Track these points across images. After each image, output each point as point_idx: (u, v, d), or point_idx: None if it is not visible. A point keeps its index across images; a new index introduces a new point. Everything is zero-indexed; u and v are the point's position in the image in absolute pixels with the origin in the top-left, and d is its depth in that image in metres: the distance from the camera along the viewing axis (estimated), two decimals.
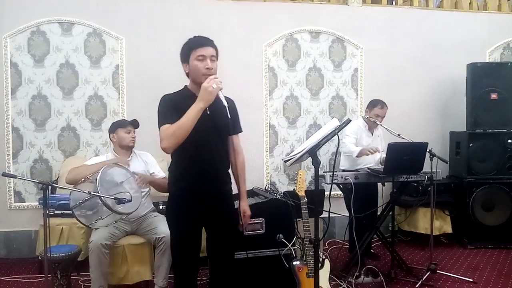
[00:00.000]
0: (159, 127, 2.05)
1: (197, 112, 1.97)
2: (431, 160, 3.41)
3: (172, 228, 2.25)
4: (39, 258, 3.41)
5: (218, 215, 2.19)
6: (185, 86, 2.21)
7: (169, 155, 2.19)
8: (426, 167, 3.43)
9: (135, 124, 3.20)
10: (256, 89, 4.47)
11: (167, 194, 2.36)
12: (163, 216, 3.20)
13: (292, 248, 2.90)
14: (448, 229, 4.37)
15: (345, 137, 3.76)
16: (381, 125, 3.80)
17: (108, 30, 4.19)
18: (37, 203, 4.01)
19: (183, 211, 2.16)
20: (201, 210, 2.15)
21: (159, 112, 2.09)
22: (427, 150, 3.39)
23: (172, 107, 2.05)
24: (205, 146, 2.10)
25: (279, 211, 2.97)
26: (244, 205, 2.30)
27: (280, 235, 2.91)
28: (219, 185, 2.18)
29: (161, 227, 2.93)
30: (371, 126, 3.90)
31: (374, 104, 3.86)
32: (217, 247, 2.25)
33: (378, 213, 3.81)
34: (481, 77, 4.42)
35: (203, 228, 2.27)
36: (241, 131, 2.32)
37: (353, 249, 3.90)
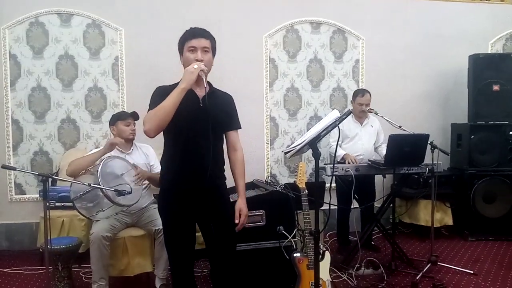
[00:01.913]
0: None
1: (178, 93, 1.94)
2: (432, 152, 3.40)
3: (163, 222, 2.20)
4: (40, 250, 3.41)
5: (209, 209, 2.12)
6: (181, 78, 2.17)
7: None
8: (427, 159, 3.42)
9: (134, 116, 3.18)
10: (256, 81, 4.45)
11: None
12: None
13: (292, 240, 2.90)
14: (449, 221, 4.37)
15: (331, 137, 3.85)
16: (382, 116, 3.79)
17: (107, 21, 4.16)
18: (38, 195, 4.01)
19: (171, 205, 2.11)
20: (189, 204, 2.09)
21: (150, 102, 2.07)
22: (428, 142, 3.37)
23: (161, 96, 2.01)
24: (196, 139, 2.05)
25: (280, 203, 2.96)
26: (241, 203, 2.18)
27: (281, 227, 2.91)
28: (209, 180, 2.05)
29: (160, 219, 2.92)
30: (360, 116, 3.92)
31: (356, 94, 3.95)
32: (213, 242, 2.17)
33: (378, 205, 3.81)
34: (483, 68, 4.39)
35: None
36: (239, 128, 2.25)
37: (345, 242, 3.94)
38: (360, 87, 4.62)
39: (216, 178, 2.13)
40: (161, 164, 2.22)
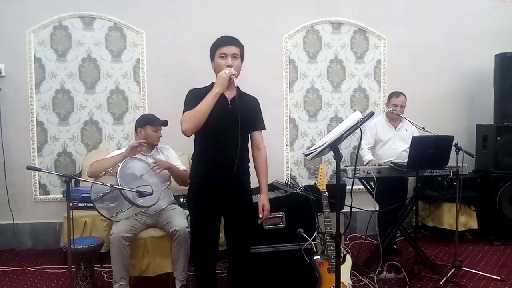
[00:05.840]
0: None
1: (213, 96, 2.15)
2: (457, 154, 3.31)
3: (191, 214, 2.40)
4: (64, 249, 3.48)
5: (235, 202, 2.30)
6: (212, 82, 2.33)
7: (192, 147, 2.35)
8: (452, 161, 3.34)
9: (165, 124, 3.17)
10: (276, 82, 4.43)
11: (188, 187, 2.42)
12: (181, 208, 3.24)
13: (312, 242, 2.87)
14: (474, 225, 4.26)
15: (363, 140, 3.76)
16: (404, 118, 3.72)
17: (128, 24, 4.21)
18: (61, 196, 4.09)
19: (200, 197, 2.33)
20: (217, 197, 2.29)
21: (184, 103, 2.28)
22: (453, 144, 3.30)
23: (195, 98, 2.23)
24: (224, 137, 2.24)
25: (300, 205, 2.93)
26: (264, 199, 2.40)
27: (301, 230, 2.88)
28: (236, 174, 2.25)
29: (177, 220, 2.94)
30: (395, 119, 3.82)
31: (390, 95, 3.87)
32: (234, 234, 2.35)
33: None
34: (510, 67, 4.27)
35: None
36: (264, 128, 2.46)
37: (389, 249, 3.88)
38: (382, 88, 4.56)
39: (241, 174, 2.33)
40: (192, 160, 2.41)
